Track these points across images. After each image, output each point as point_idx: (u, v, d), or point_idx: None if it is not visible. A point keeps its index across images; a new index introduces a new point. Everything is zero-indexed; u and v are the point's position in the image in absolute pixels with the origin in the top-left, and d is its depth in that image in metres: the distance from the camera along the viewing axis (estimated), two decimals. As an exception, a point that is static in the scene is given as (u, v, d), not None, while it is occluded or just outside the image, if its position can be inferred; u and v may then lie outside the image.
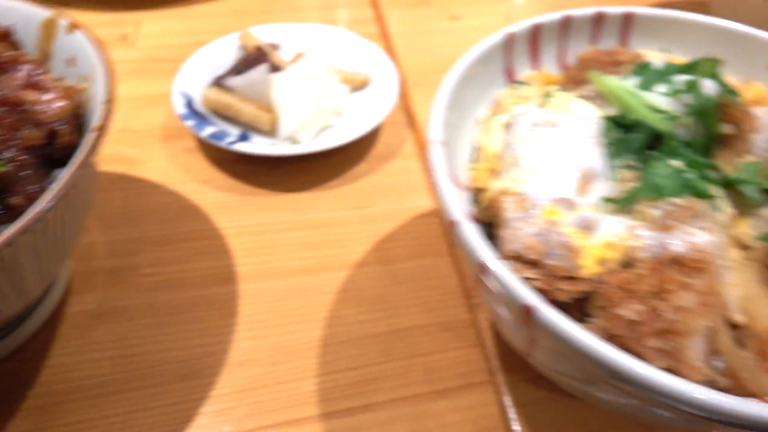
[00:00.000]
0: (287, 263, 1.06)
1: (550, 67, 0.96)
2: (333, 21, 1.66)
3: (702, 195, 0.67)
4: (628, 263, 0.66)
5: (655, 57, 0.95)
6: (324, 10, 1.70)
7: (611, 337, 0.63)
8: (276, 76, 1.20)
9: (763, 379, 0.61)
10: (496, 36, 0.88)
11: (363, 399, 0.88)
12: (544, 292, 0.67)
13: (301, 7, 1.71)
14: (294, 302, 1.00)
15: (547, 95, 0.85)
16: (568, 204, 0.68)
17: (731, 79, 0.94)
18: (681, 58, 0.94)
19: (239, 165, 1.21)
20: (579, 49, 0.95)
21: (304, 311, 0.99)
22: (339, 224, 1.12)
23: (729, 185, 0.72)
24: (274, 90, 1.18)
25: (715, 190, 0.70)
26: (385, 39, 1.61)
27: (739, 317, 0.66)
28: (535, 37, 0.92)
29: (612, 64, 0.88)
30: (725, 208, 0.68)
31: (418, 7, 1.77)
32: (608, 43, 0.97)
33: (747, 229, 0.72)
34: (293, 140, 1.19)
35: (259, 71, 1.20)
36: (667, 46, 0.97)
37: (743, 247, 0.71)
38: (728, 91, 0.74)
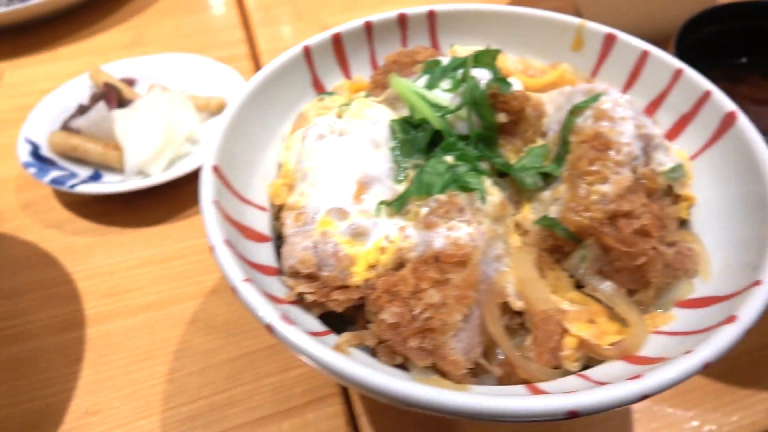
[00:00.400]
0: (136, 300, 1.03)
1: (364, 72, 0.96)
2: (203, 46, 1.64)
3: (467, 188, 0.67)
4: (400, 265, 0.65)
5: (464, 51, 0.96)
6: (193, 37, 1.68)
7: (381, 342, 0.62)
8: (116, 112, 1.17)
9: (530, 366, 0.61)
10: (293, 51, 0.87)
11: (206, 430, 0.86)
12: (320, 305, 0.66)
13: (169, 36, 1.69)
14: (142, 339, 0.98)
15: (346, 103, 0.85)
16: (341, 213, 0.67)
17: (538, 63, 0.95)
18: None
19: (93, 206, 1.18)
20: (390, 51, 0.95)
21: (152, 347, 0.96)
22: (192, 254, 1.10)
23: (506, 174, 0.73)
24: (116, 126, 1.16)
25: (487, 181, 0.70)
26: (254, 59, 1.60)
27: (519, 303, 0.66)
28: (337, 46, 0.92)
29: (412, 65, 0.88)
30: (494, 197, 0.68)
31: (292, 23, 1.77)
32: (420, 43, 0.98)
33: (528, 213, 0.73)
34: (143, 174, 1.17)
35: (99, 109, 1.17)
36: (476, 40, 0.98)
37: (524, 232, 0.71)
38: (499, 79, 0.74)
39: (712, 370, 0.95)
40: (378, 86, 0.89)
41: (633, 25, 1.60)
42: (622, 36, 0.89)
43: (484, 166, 0.71)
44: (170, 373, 0.93)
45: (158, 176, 1.13)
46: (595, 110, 0.72)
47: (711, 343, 0.52)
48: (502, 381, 0.63)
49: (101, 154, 1.18)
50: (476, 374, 0.64)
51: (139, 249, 1.12)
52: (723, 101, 0.76)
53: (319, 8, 1.80)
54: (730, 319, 0.54)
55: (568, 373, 0.63)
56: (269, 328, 0.55)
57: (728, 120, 0.75)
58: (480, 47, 0.96)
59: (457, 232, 0.64)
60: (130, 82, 1.38)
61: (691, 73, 0.81)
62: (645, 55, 0.86)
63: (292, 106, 0.88)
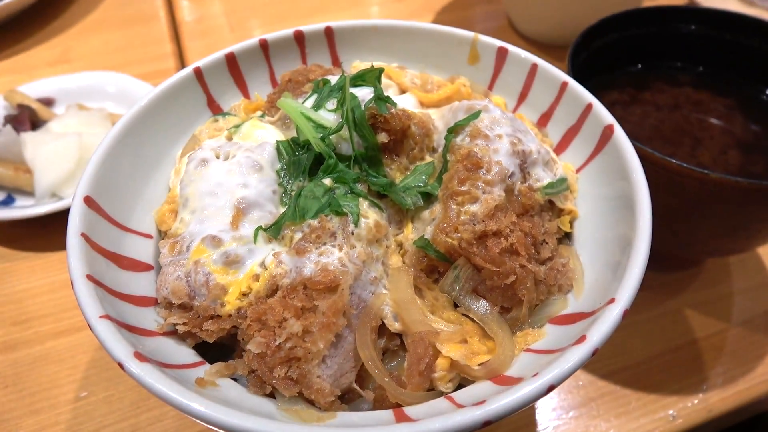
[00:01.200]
0: (46, 327, 1.00)
1: (264, 90, 0.94)
2: (131, 61, 1.60)
3: (340, 212, 0.65)
4: (274, 292, 0.64)
5: (362, 66, 0.94)
6: (121, 52, 1.64)
7: (251, 372, 0.61)
8: (26, 135, 1.14)
9: (398, 390, 0.60)
10: (183, 72, 0.85)
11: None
12: (192, 335, 0.64)
13: (96, 51, 1.64)
14: (49, 367, 0.94)
15: (239, 125, 0.83)
16: (215, 241, 0.65)
17: (437, 77, 0.95)
18: (385, 64, 0.94)
19: (5, 231, 1.14)
20: (291, 69, 0.93)
21: (59, 375, 0.93)
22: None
23: (386, 194, 0.71)
24: (25, 150, 1.12)
25: (364, 203, 0.69)
26: (183, 73, 1.57)
27: (396, 325, 0.65)
28: (232, 65, 0.90)
29: (305, 83, 0.86)
30: (369, 219, 0.67)
31: (223, 36, 1.73)
32: (321, 60, 0.96)
33: (410, 233, 0.72)
34: (56, 196, 1.13)
35: (6, 133, 1.13)
36: (377, 55, 0.97)
37: (405, 252, 0.71)
38: (379, 99, 0.73)
39: (621, 376, 0.96)
40: (274, 105, 0.87)
41: (556, 30, 1.64)
42: (513, 49, 0.88)
43: (361, 187, 0.70)
44: (75, 401, 0.90)
45: (72, 199, 1.10)
46: (472, 128, 0.72)
47: (558, 365, 0.52)
48: (376, 405, 0.62)
49: (12, 178, 1.14)
50: (350, 399, 0.63)
51: (53, 273, 1.08)
52: (602, 114, 0.76)
53: (250, 20, 1.77)
54: (581, 339, 0.54)
55: (440, 394, 0.62)
56: (120, 366, 0.53)
57: (607, 132, 0.75)
58: (382, 63, 0.95)
59: (327, 258, 0.62)
60: (49, 102, 1.33)
61: (574, 85, 0.81)
62: (534, 68, 0.86)
63: (185, 127, 0.86)
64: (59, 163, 1.11)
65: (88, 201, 0.68)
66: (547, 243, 0.69)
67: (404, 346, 0.66)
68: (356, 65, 0.97)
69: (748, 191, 0.82)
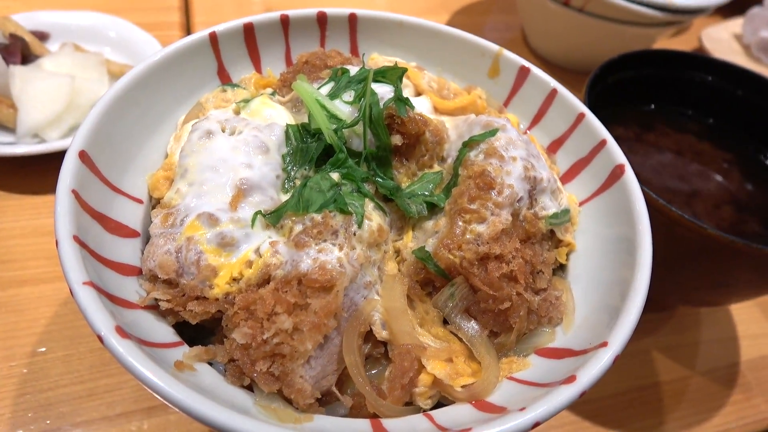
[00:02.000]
0: (10, 273, 0.95)
1: (277, 67, 0.91)
2: (135, 8, 1.53)
3: (345, 211, 0.64)
4: (265, 282, 0.62)
5: (383, 62, 0.93)
6: (127, -4, 1.58)
7: (231, 361, 0.59)
8: (15, 69, 1.08)
9: (379, 401, 0.59)
10: (198, 35, 0.81)
11: (58, 421, 0.81)
12: (174, 314, 0.62)
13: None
14: (7, 317, 0.91)
15: (248, 99, 0.80)
16: (211, 219, 0.63)
17: (454, 83, 0.93)
18: (404, 62, 0.92)
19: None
20: (308, 50, 0.91)
21: (17, 326, 0.90)
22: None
23: (392, 198, 0.70)
24: (12, 83, 1.06)
25: (369, 205, 0.67)
26: (186, 29, 1.51)
27: (384, 333, 0.64)
28: (249, 36, 0.86)
29: (323, 68, 0.84)
30: (372, 222, 0.65)
31: (235, -3, 1.68)
32: (340, 46, 0.94)
33: (410, 241, 0.71)
34: (39, 138, 1.08)
35: (-6, 62, 1.07)
36: (397, 52, 0.95)
37: (402, 260, 0.69)
38: (399, 99, 0.72)
39: (584, 408, 0.98)
40: (286, 85, 0.84)
41: (568, 54, 1.64)
42: (536, 71, 0.88)
43: (369, 188, 0.68)
44: (32, 356, 0.87)
45: (55, 142, 1.05)
46: (488, 146, 0.71)
47: (546, 401, 0.52)
48: (353, 412, 0.61)
49: None
50: (327, 402, 0.62)
51: (25, 218, 1.03)
52: (615, 152, 0.76)
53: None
54: (570, 379, 0.54)
55: (419, 410, 0.62)
56: (99, 339, 0.51)
57: (617, 172, 0.75)
58: (402, 61, 0.93)
59: (326, 256, 0.61)
60: (43, 37, 1.27)
61: (592, 118, 0.81)
62: (553, 93, 0.86)
63: (191, 92, 0.83)
64: (47, 104, 1.06)
65: (83, 156, 0.64)
66: (543, 273, 0.69)
67: (387, 355, 0.65)
68: (375, 58, 0.95)
69: (739, 251, 0.84)
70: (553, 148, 0.86)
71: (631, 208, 0.71)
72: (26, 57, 1.16)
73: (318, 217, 0.63)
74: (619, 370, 1.04)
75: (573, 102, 0.83)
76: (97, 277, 0.57)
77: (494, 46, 0.91)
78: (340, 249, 0.62)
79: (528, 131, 0.89)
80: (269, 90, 0.85)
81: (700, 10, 1.44)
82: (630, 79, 1.12)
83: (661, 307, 1.15)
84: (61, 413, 0.82)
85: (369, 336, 0.64)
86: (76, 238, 0.57)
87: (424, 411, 0.61)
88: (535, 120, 0.89)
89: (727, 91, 1.15)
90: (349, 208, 0.64)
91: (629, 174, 0.74)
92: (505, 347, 0.66)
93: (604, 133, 0.79)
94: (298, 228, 0.63)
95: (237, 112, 0.79)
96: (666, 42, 1.89)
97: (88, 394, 0.84)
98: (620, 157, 0.76)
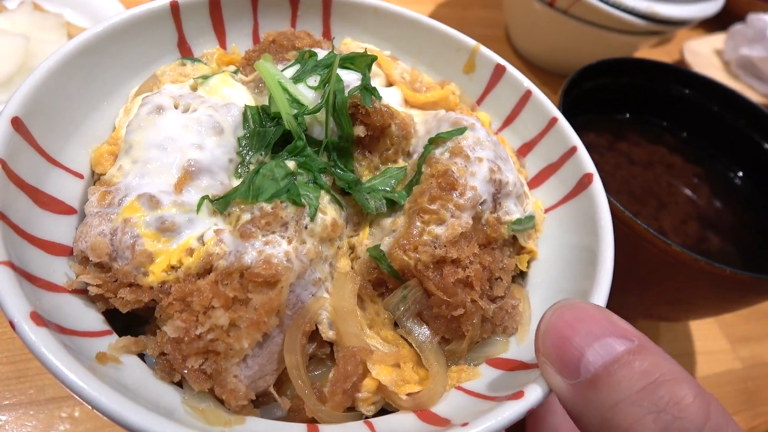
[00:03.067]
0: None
1: (243, 44, 0.87)
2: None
3: (298, 202, 0.60)
4: (207, 272, 0.58)
5: (356, 48, 0.89)
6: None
7: (162, 355, 0.56)
8: None
9: (317, 406, 0.56)
10: (159, 3, 0.76)
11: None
12: (104, 300, 0.58)
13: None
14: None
15: (207, 75, 0.76)
16: (152, 201, 0.59)
17: (428, 76, 0.90)
18: (377, 51, 0.88)
19: None
20: (277, 29, 0.86)
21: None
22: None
23: (350, 192, 0.67)
24: None
25: (325, 197, 0.64)
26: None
27: (330, 333, 0.61)
28: (214, 8, 0.82)
29: (290, 49, 0.80)
30: (327, 216, 0.62)
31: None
32: (312, 28, 0.90)
33: (366, 238, 0.68)
34: None
35: (-59, 15, 1.00)
36: (372, 38, 0.91)
37: (356, 257, 0.67)
38: (366, 89, 0.68)
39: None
40: (250, 64, 0.80)
41: (550, 56, 1.62)
42: (511, 70, 0.85)
43: (326, 180, 0.65)
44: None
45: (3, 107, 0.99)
46: (454, 144, 0.68)
47: (490, 417, 0.50)
48: (290, 415, 0.58)
49: None
50: (263, 402, 0.59)
51: None
52: (585, 160, 0.75)
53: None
54: (518, 395, 0.52)
55: (360, 416, 0.59)
56: (11, 325, 0.47)
57: (585, 180, 0.73)
58: (374, 48, 0.90)
59: (272, 248, 0.57)
60: (-2, -9, 1.20)
61: (564, 124, 0.79)
62: (528, 95, 0.83)
63: (147, 63, 0.78)
64: (1, 65, 1.00)
65: (16, 123, 0.59)
66: (501, 280, 0.67)
67: (333, 356, 0.62)
68: (347, 43, 0.91)
69: (701, 269, 0.83)
70: (524, 151, 0.84)
71: (596, 218, 0.70)
72: None
73: (268, 206, 0.59)
74: None
75: (546, 105, 0.81)
76: (19, 255, 0.53)
77: (471, 41, 0.88)
78: (289, 242, 0.59)
79: (499, 132, 0.87)
80: (232, 68, 0.81)
81: (683, 22, 1.45)
82: (607, 85, 1.11)
83: (623, 318, 1.15)
84: None
85: (315, 335, 0.61)
86: (-1, 213, 0.53)
87: (366, 418, 0.59)
88: (507, 121, 0.86)
89: (704, 106, 1.15)
90: (303, 200, 0.61)
91: (597, 184, 0.72)
92: (456, 355, 0.63)
93: (575, 140, 0.77)
94: (246, 217, 0.60)
95: (194, 89, 0.75)
96: (648, 51, 1.90)
97: (17, 376, 0.79)
98: (589, 165, 0.74)
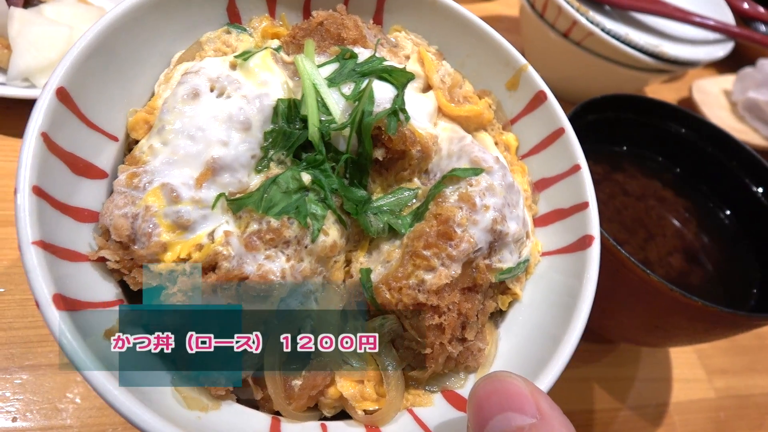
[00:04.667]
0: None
1: (292, 16, 0.88)
2: None
3: (303, 223, 0.66)
4: (211, 268, 0.66)
5: (404, 39, 0.89)
6: None
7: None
8: (16, 11, 1.06)
9: (284, 404, 0.66)
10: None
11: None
12: (119, 274, 0.67)
13: None
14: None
15: (249, 52, 0.78)
16: (173, 195, 0.65)
17: (468, 85, 0.91)
18: (425, 44, 0.89)
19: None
20: (331, 4, 0.87)
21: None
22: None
23: (356, 213, 0.72)
24: (11, 24, 1.05)
25: (331, 218, 0.69)
26: None
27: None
28: (271, -21, 0.83)
29: (335, 38, 0.81)
30: (328, 237, 0.68)
31: None
32: (364, 9, 0.90)
33: (362, 256, 0.74)
34: (29, 83, 1.08)
35: (-5, -2, 1.05)
36: (422, 29, 0.91)
37: (349, 273, 0.73)
38: (395, 114, 0.71)
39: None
40: (295, 42, 0.82)
41: (562, 84, 1.61)
42: (552, 101, 0.86)
43: (335, 200, 0.70)
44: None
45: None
46: (464, 192, 0.72)
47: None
48: (262, 401, 0.68)
49: None
50: (245, 384, 0.69)
51: (2, 159, 1.05)
52: (591, 220, 0.78)
53: None
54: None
55: (320, 416, 0.69)
56: (36, 304, 0.56)
57: (586, 241, 0.77)
58: (423, 42, 0.90)
59: (271, 263, 0.65)
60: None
61: (584, 175, 0.81)
62: (560, 132, 0.84)
63: (194, 27, 0.81)
64: (42, 50, 1.06)
65: (61, 94, 0.65)
66: (476, 322, 0.73)
67: (309, 355, 0.71)
68: (397, 28, 0.92)
69: (676, 300, 0.90)
70: (541, 186, 0.87)
71: (584, 274, 0.74)
72: (29, 1, 1.14)
73: (275, 223, 0.65)
74: (553, 392, 1.13)
75: (574, 150, 0.83)
76: (50, 229, 0.61)
77: (521, 59, 0.87)
78: (288, 260, 0.66)
79: (523, 159, 0.89)
80: (276, 43, 0.83)
81: (691, 63, 1.52)
82: (609, 119, 1.18)
83: (603, 339, 1.22)
84: (11, 354, 0.89)
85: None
86: (36, 189, 0.60)
87: (324, 418, 0.69)
88: (534, 150, 0.88)
89: (698, 146, 1.24)
90: (309, 220, 0.67)
91: (595, 248, 0.76)
92: (417, 380, 0.72)
93: (589, 195, 0.79)
94: (254, 227, 0.66)
95: (233, 67, 0.78)
96: (657, 87, 1.95)
97: (39, 340, 0.91)
98: (594, 227, 0.77)
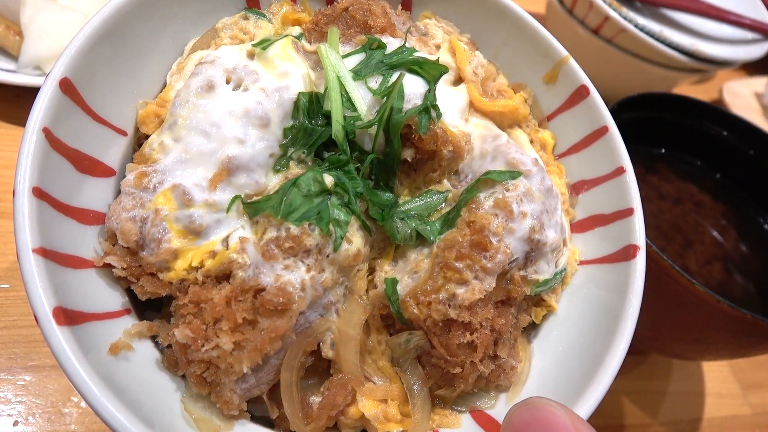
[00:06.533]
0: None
1: (315, 1, 0.83)
2: None
3: (325, 231, 0.61)
4: (225, 277, 0.62)
5: (434, 27, 0.84)
6: None
7: (170, 346, 0.61)
8: None
9: (301, 425, 0.62)
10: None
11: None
12: (126, 282, 0.63)
13: None
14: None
15: (269, 41, 0.73)
16: (185, 198, 0.61)
17: (503, 78, 0.86)
18: (456, 33, 0.84)
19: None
20: (355, -12, 0.81)
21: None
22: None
23: (382, 219, 0.67)
24: (23, 10, 1.02)
25: (354, 224, 0.65)
26: None
27: (331, 353, 0.65)
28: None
29: (361, 26, 0.76)
30: (351, 246, 0.64)
31: None
32: (393, -9, 0.84)
33: (387, 265, 0.69)
34: (40, 71, 1.05)
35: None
36: (455, 16, 0.85)
37: (372, 282, 0.69)
38: (426, 111, 0.66)
39: None
40: (318, 29, 0.77)
41: (592, 82, 1.55)
42: (595, 96, 0.80)
43: (359, 204, 0.65)
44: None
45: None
46: (501, 194, 0.67)
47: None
48: (276, 422, 0.65)
49: (0, 36, 1.03)
50: (258, 402, 0.65)
51: (11, 148, 1.02)
52: (637, 229, 0.73)
53: None
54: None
55: (339, 435, 0.65)
56: (35, 318, 0.52)
57: (630, 251, 0.72)
58: (455, 31, 0.85)
59: (290, 274, 0.60)
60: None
61: (630, 178, 0.76)
62: (603, 130, 0.79)
63: (209, 12, 0.76)
64: (54, 37, 1.03)
65: (65, 85, 0.61)
66: (509, 337, 0.69)
67: (329, 371, 0.67)
68: (427, 15, 0.86)
69: (723, 311, 0.86)
70: (579, 188, 0.82)
71: (628, 288, 0.69)
72: None
73: (295, 230, 0.61)
74: None
75: (619, 151, 0.77)
76: (52, 234, 0.57)
77: (562, 51, 0.82)
78: (308, 270, 0.61)
79: (560, 158, 0.84)
80: (297, 30, 0.78)
81: (726, 63, 1.47)
82: (645, 119, 1.12)
83: (633, 350, 1.17)
84: (14, 354, 0.86)
85: (317, 348, 0.66)
86: (37, 190, 0.56)
87: (346, 440, 0.65)
88: (573, 149, 0.83)
89: (739, 149, 1.18)
90: (331, 227, 0.62)
91: (640, 258, 0.70)
92: (444, 400, 0.68)
93: (635, 200, 0.74)
94: (272, 234, 0.62)
95: (251, 56, 0.73)
96: (687, 88, 1.91)
97: (44, 339, 0.88)
98: (639, 236, 0.72)
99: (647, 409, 1.14)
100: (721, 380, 1.24)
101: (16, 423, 0.82)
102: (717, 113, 1.17)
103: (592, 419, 1.05)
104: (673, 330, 1.01)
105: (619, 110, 1.05)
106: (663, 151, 1.22)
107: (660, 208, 1.11)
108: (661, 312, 0.96)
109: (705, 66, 1.45)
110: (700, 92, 1.97)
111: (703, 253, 1.08)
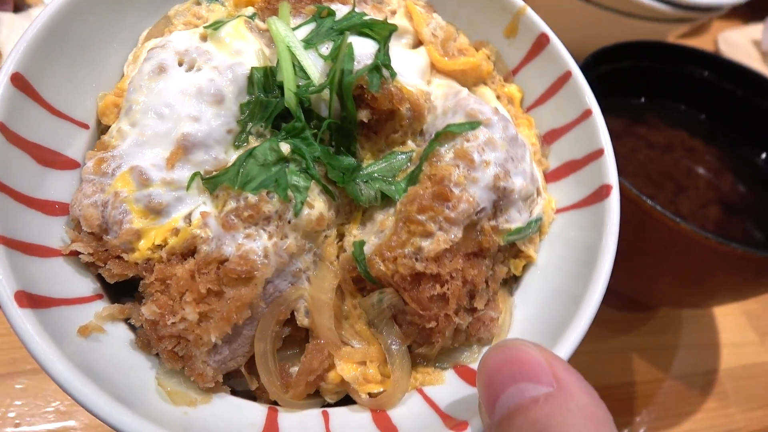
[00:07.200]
0: None
1: (268, -20, 0.83)
2: None
3: (283, 196, 0.62)
4: (190, 253, 0.62)
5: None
6: None
7: (142, 327, 0.62)
8: (4, 16, 1.04)
9: (280, 393, 0.62)
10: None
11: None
12: (95, 267, 0.64)
13: None
14: None
15: (221, 22, 0.74)
16: (143, 178, 0.62)
17: (464, 37, 0.85)
18: (415, 1, 0.83)
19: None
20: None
21: None
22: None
23: (343, 182, 0.67)
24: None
25: (315, 189, 0.65)
26: None
27: (306, 321, 0.65)
28: (237, -59, 0.78)
29: (311, 2, 0.76)
30: (313, 210, 0.64)
31: None
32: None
33: (355, 228, 0.69)
34: None
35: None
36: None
37: (342, 248, 0.69)
38: (377, 69, 0.66)
39: None
40: (270, 7, 0.78)
41: (574, 46, 1.52)
42: (556, 43, 0.79)
43: (318, 169, 0.65)
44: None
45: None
46: (460, 148, 0.66)
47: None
48: (258, 391, 0.65)
49: None
50: (238, 374, 0.65)
51: None
52: (608, 168, 0.71)
53: None
54: (461, 426, 0.55)
55: (322, 402, 0.65)
56: (-1, 303, 0.53)
57: (603, 192, 0.71)
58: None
59: (252, 242, 0.61)
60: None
61: (597, 120, 0.74)
62: (567, 75, 0.78)
63: (161, 1, 0.77)
64: None
65: (17, 79, 0.62)
66: (487, 288, 0.68)
67: (306, 339, 0.67)
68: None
69: (713, 249, 0.83)
70: (550, 138, 0.81)
71: (602, 228, 0.68)
72: (18, 6, 1.15)
73: (252, 198, 0.61)
74: (591, 367, 1.07)
75: (584, 93, 0.76)
76: (14, 224, 0.58)
77: (518, 1, 0.81)
78: (270, 237, 0.62)
79: (529, 111, 0.83)
80: (250, 11, 0.79)
81: (712, 8, 1.41)
82: (623, 69, 1.10)
83: (641, 306, 1.15)
84: (12, 359, 0.88)
85: (292, 318, 0.66)
86: (-6, 183, 0.57)
87: (327, 404, 0.65)
88: (541, 100, 0.82)
89: (726, 90, 1.15)
90: (290, 193, 0.62)
91: (613, 197, 0.69)
92: (425, 358, 0.67)
93: (604, 141, 0.73)
94: (231, 204, 0.62)
95: (204, 38, 0.74)
96: (679, 41, 1.85)
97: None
98: (611, 175, 0.71)
99: (659, 364, 1.11)
100: (737, 329, 1.21)
101: (17, 425, 0.83)
102: (697, 54, 1.15)
103: (601, 377, 1.04)
104: (668, 276, 0.99)
105: (594, 62, 1.04)
106: (644, 100, 1.20)
107: (649, 158, 1.09)
108: (653, 259, 0.94)
109: (690, 14, 1.41)
110: (694, 44, 1.93)
111: (697, 198, 1.05)
